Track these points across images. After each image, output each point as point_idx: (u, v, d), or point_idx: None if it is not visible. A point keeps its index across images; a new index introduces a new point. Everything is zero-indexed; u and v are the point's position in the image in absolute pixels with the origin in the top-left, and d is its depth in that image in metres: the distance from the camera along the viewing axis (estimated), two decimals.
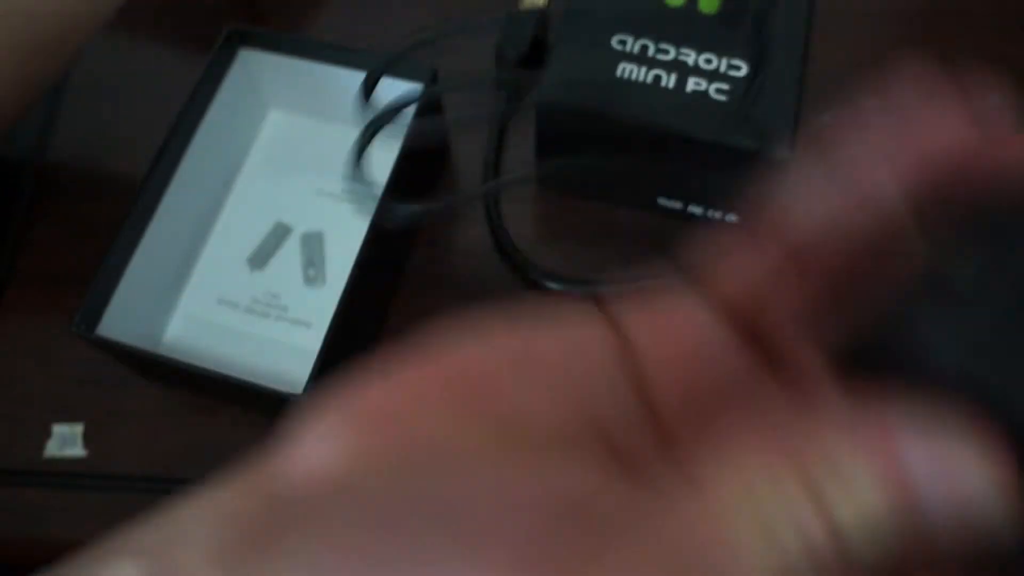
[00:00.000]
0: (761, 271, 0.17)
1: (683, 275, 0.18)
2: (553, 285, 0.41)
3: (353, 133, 0.45)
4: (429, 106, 0.40)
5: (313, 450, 0.15)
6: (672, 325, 0.17)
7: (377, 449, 0.14)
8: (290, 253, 0.43)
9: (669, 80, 0.38)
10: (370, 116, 0.30)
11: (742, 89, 0.37)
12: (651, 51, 0.38)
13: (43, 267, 0.44)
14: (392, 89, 0.41)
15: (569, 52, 0.39)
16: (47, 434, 0.40)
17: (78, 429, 0.40)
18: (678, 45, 0.39)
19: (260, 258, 0.43)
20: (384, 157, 0.40)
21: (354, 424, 0.15)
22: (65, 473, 0.39)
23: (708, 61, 0.38)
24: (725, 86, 0.37)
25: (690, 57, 0.38)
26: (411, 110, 0.38)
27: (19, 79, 0.37)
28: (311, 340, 0.41)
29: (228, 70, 0.42)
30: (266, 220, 0.44)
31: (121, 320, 0.38)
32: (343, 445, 0.14)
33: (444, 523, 0.13)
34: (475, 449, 0.14)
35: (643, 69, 0.38)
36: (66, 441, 0.40)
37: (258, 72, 0.43)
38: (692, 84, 0.38)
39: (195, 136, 0.41)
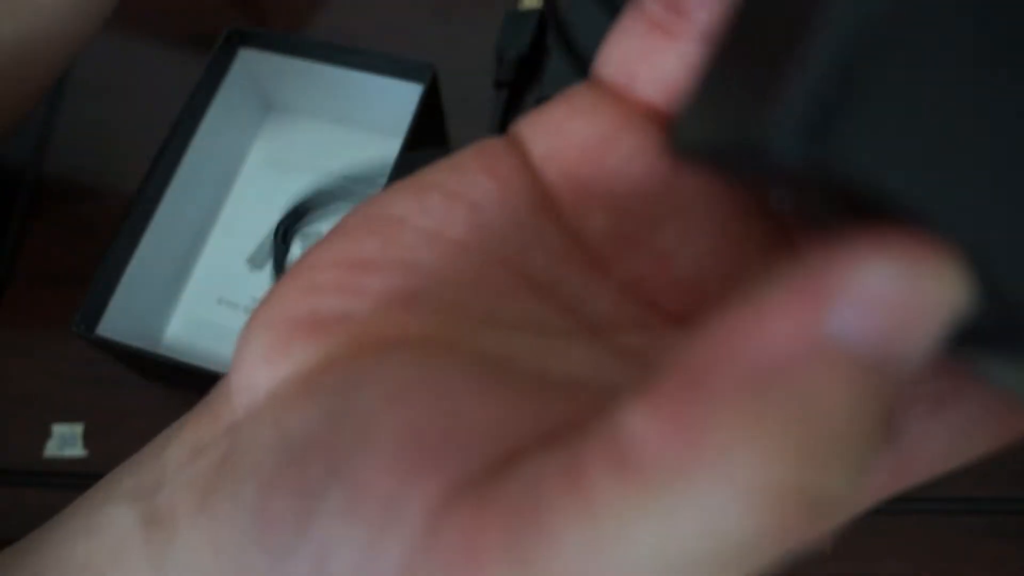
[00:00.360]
0: (673, 63, 0.15)
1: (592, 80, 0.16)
2: None
3: (353, 133, 0.45)
4: (430, 108, 0.40)
5: (249, 370, 0.14)
6: (572, 123, 0.16)
7: (302, 364, 0.14)
8: (290, 253, 0.43)
9: None
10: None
11: None
12: None
13: (43, 267, 0.44)
14: (392, 89, 0.41)
15: (569, 51, 0.39)
16: (47, 434, 0.40)
17: (78, 429, 0.40)
18: None
19: (260, 258, 0.43)
20: (384, 157, 0.40)
21: (283, 340, 0.14)
22: (65, 473, 0.39)
23: None
24: None
25: None
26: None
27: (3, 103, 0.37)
28: None
29: (228, 70, 0.42)
30: (266, 220, 0.44)
31: (121, 320, 0.38)
32: (275, 370, 0.14)
33: (367, 447, 0.12)
34: (403, 359, 0.13)
35: None
36: (66, 441, 0.40)
37: (258, 72, 0.43)
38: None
39: (195, 136, 0.41)
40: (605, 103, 0.16)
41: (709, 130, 0.11)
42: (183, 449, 0.16)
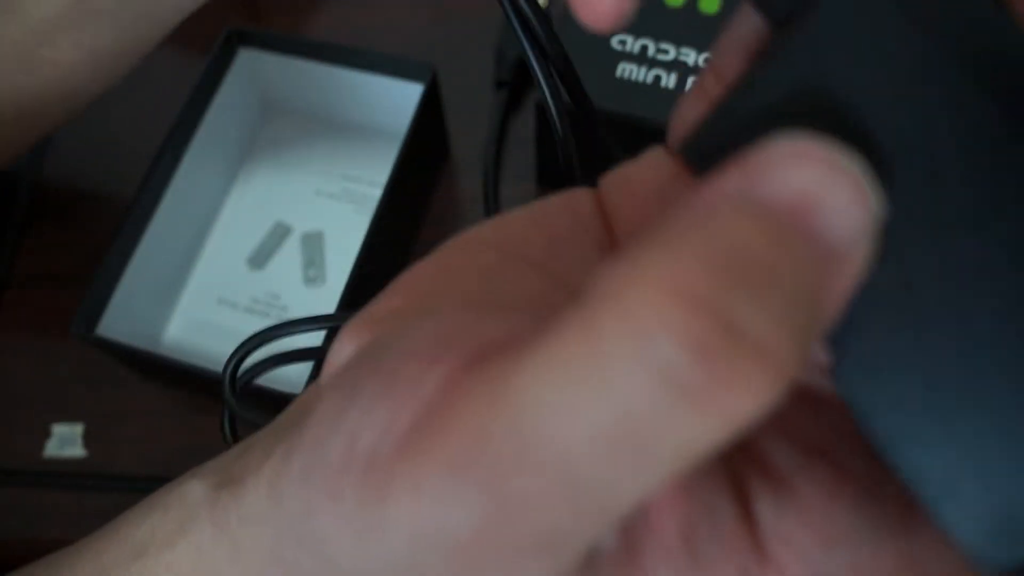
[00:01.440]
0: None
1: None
2: None
3: (353, 133, 0.45)
4: (430, 108, 0.40)
5: (335, 360, 0.16)
6: (639, 177, 0.18)
7: (372, 340, 0.16)
8: (290, 253, 0.43)
9: (669, 80, 0.38)
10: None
11: None
12: (651, 51, 0.38)
13: (43, 267, 0.44)
14: (392, 89, 0.41)
15: (569, 52, 0.39)
16: (47, 434, 0.40)
17: (78, 429, 0.40)
18: (678, 45, 0.39)
19: (260, 258, 0.43)
20: (384, 157, 0.40)
21: (363, 329, 0.16)
22: (65, 473, 0.39)
23: (708, 61, 0.38)
24: None
25: (690, 57, 0.38)
26: None
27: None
28: (311, 340, 0.41)
29: (228, 70, 0.42)
30: (266, 220, 0.44)
31: (121, 320, 0.38)
32: (353, 347, 0.16)
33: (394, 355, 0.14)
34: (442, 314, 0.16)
35: (643, 69, 0.38)
36: (66, 441, 0.40)
37: (258, 72, 0.43)
38: (692, 84, 0.38)
39: (195, 136, 0.41)
40: (669, 162, 0.17)
41: (688, 144, 0.14)
42: (262, 434, 0.18)
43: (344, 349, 0.16)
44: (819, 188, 0.11)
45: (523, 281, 0.16)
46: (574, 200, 0.18)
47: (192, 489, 0.18)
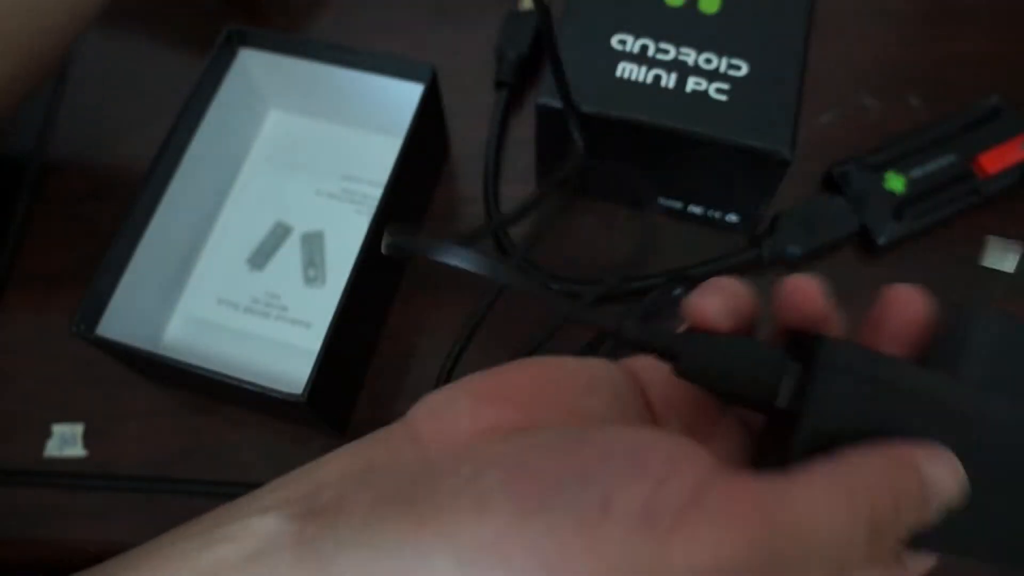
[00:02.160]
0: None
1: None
2: (553, 285, 0.41)
3: (353, 133, 0.45)
4: (430, 108, 0.40)
5: (450, 424, 0.21)
6: (659, 373, 0.25)
7: (499, 423, 0.21)
8: (290, 253, 0.43)
9: (669, 80, 0.38)
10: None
11: (742, 89, 0.37)
12: (651, 51, 0.38)
13: (43, 267, 0.44)
14: (392, 89, 0.41)
15: (569, 52, 0.39)
16: (47, 434, 0.40)
17: (78, 429, 0.40)
18: (678, 45, 0.39)
19: (260, 258, 0.43)
20: (384, 157, 0.40)
21: (482, 405, 0.21)
22: (65, 473, 0.39)
23: (708, 61, 0.38)
24: (725, 86, 0.37)
25: (690, 57, 0.38)
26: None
27: (14, 73, 0.37)
28: (311, 340, 0.41)
29: (228, 70, 0.42)
30: (266, 220, 0.44)
31: (121, 320, 0.38)
32: (475, 420, 0.21)
33: (597, 454, 0.19)
34: (571, 422, 0.22)
35: (643, 69, 0.38)
36: (66, 441, 0.40)
37: (258, 72, 0.43)
38: (692, 84, 0.38)
39: (195, 136, 0.41)
40: (680, 381, 0.25)
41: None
42: (350, 466, 0.21)
43: (464, 422, 0.21)
44: (947, 478, 0.21)
45: (604, 410, 0.23)
46: (619, 365, 0.25)
47: (261, 523, 0.19)
